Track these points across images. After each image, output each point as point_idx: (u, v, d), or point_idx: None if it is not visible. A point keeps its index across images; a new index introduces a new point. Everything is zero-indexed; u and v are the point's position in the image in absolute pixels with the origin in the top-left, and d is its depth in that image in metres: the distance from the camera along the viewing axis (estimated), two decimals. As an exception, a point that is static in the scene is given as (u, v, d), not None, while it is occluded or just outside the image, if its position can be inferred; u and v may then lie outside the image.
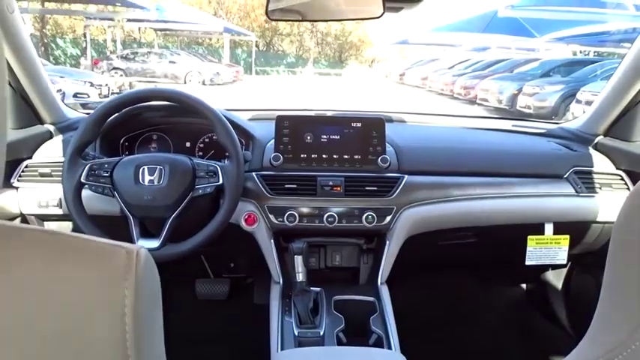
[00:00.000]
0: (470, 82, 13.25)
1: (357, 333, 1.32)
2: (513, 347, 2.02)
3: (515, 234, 1.59)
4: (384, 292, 1.44)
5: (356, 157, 1.49)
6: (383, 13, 1.36)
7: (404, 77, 20.70)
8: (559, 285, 1.97)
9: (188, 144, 1.61)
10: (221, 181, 1.32)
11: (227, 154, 1.36)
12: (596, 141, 1.71)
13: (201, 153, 1.60)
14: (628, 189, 1.60)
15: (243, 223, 1.45)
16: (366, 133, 1.49)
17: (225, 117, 1.37)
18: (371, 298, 1.42)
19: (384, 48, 31.54)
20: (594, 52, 17.17)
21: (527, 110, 10.11)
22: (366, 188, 1.45)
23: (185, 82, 15.64)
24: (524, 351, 2.00)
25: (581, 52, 17.31)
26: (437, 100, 14.08)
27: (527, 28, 14.89)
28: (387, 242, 1.47)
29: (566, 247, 1.60)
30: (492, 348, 1.99)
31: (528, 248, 1.59)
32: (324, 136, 1.49)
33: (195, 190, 1.32)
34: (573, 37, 15.11)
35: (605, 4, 11.20)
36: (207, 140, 1.60)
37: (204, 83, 15.86)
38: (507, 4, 13.59)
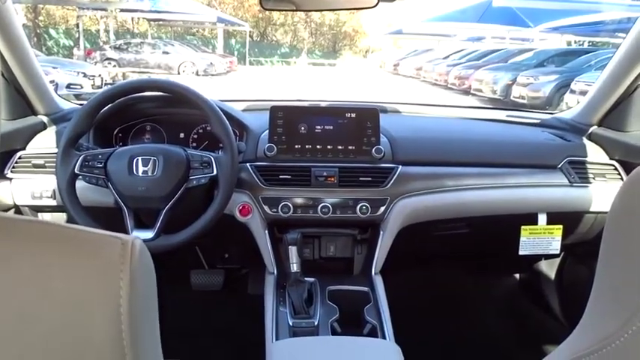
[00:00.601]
0: (464, 73, 13.25)
1: (352, 323, 1.33)
2: (507, 336, 2.04)
3: (508, 224, 1.60)
4: (378, 283, 1.45)
5: (350, 147, 1.48)
6: (377, 2, 1.36)
7: (398, 67, 20.67)
8: (552, 275, 1.99)
9: (182, 135, 1.60)
10: (215, 172, 1.32)
11: (221, 145, 1.36)
12: (590, 131, 1.72)
13: (195, 144, 1.60)
14: (621, 179, 1.61)
15: (237, 214, 1.45)
16: (360, 123, 1.49)
17: (219, 108, 1.36)
18: (365, 288, 1.42)
19: (379, 38, 31.45)
20: (589, 42, 17.18)
21: (521, 100, 10.13)
22: (360, 179, 1.45)
23: (179, 73, 15.58)
24: (517, 340, 2.01)
25: (575, 42, 17.33)
26: (431, 91, 14.07)
27: (521, 18, 14.89)
28: (381, 232, 1.47)
29: (560, 237, 1.61)
30: (486, 337, 2.01)
31: (522, 238, 1.59)
32: (319, 127, 1.49)
33: (190, 181, 1.32)
34: (568, 26, 15.12)
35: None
36: (201, 131, 1.60)
37: (197, 74, 15.80)
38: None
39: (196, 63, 16.26)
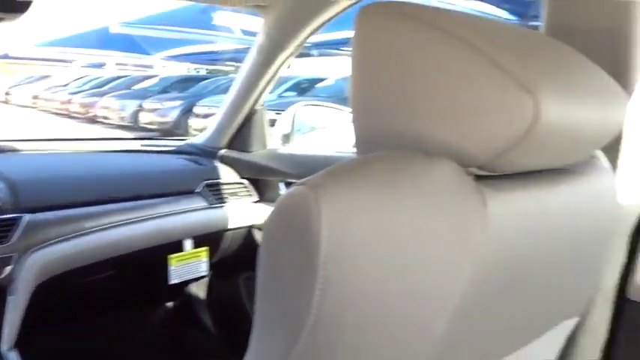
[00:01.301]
0: (88, 100, 12.76)
1: None
2: None
3: (156, 256, 1.56)
4: None
5: None
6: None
7: (10, 96, 18.44)
8: (202, 294, 2.05)
9: None
10: None
11: None
12: (220, 154, 1.84)
13: None
14: (250, 195, 1.78)
15: None
16: None
17: None
18: None
19: (-19, 63, 27.43)
20: (206, 69, 18.71)
21: (151, 126, 10.35)
22: None
23: None
24: None
25: (195, 69, 18.66)
26: (53, 121, 13.01)
27: (140, 46, 15.19)
28: (10, 297, 1.23)
29: (206, 259, 1.67)
30: None
31: (171, 267, 1.59)
32: None
33: None
34: (185, 55, 16.18)
35: (214, 27, 12.27)
36: None
37: None
38: (120, 21, 13.61)
39: None
